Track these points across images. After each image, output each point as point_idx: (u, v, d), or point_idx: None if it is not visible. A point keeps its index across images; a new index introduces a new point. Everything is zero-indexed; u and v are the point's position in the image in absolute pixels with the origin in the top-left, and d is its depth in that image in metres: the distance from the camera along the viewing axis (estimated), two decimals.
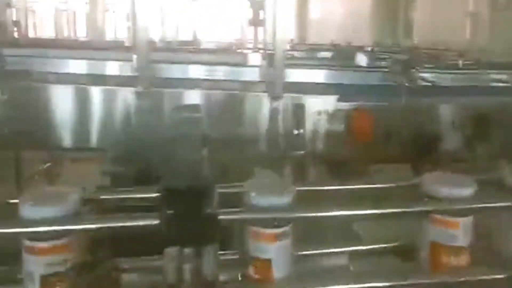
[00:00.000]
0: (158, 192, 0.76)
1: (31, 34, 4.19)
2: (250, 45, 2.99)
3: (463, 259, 0.92)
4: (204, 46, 4.45)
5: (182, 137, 0.76)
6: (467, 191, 0.93)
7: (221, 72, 2.16)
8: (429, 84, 2.05)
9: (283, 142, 1.82)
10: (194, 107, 0.80)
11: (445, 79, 2.27)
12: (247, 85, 2.11)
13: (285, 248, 0.83)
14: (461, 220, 0.92)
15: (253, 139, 1.84)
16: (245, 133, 1.85)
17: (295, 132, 1.79)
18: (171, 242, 0.72)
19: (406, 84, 2.01)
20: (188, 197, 0.71)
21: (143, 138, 1.80)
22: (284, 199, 0.85)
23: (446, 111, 2.09)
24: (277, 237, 0.83)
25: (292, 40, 5.33)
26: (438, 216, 0.91)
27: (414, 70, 2.06)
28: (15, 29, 3.55)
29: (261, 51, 2.33)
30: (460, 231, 0.91)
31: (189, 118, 0.76)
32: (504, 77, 2.33)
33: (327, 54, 4.13)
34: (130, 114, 1.85)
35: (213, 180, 0.75)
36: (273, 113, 1.84)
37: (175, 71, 2.13)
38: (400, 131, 1.93)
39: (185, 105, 1.66)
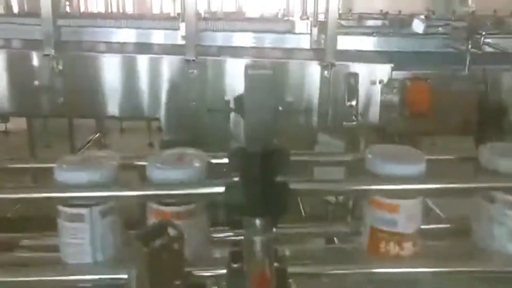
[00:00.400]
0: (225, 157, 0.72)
1: (82, 9, 4.28)
2: (297, 13, 2.89)
3: (405, 248, 0.79)
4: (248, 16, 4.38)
5: (251, 97, 0.70)
6: (412, 169, 0.78)
7: (268, 40, 2.09)
8: (498, 50, 1.87)
9: (334, 112, 1.75)
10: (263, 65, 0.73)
11: (510, 44, 2.08)
12: (297, 53, 2.03)
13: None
14: (402, 203, 0.78)
15: (303, 108, 1.78)
16: (296, 102, 1.79)
17: (348, 102, 1.71)
18: (236, 212, 0.68)
19: (472, 51, 1.86)
20: (257, 162, 0.65)
21: (196, 106, 1.79)
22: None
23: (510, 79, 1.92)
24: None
25: (338, 9, 5.09)
26: (377, 198, 0.78)
27: (479, 35, 1.89)
28: (67, 3, 3.63)
29: (311, 18, 2.23)
30: (400, 216, 0.78)
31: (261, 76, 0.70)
32: None
33: (377, 23, 3.92)
34: (181, 83, 1.84)
35: (285, 146, 0.69)
36: (325, 82, 1.76)
37: (223, 40, 2.09)
38: (461, 101, 1.80)
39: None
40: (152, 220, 0.77)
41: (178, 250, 0.63)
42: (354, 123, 1.70)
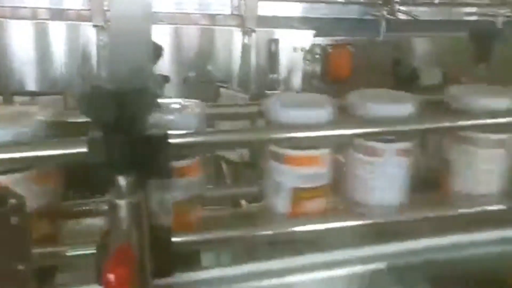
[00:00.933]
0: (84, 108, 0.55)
1: None
2: None
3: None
4: None
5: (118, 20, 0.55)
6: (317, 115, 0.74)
7: (189, 5, 2.00)
8: (411, 17, 1.95)
9: (256, 79, 1.72)
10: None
11: (422, 12, 2.17)
12: (218, 19, 1.96)
13: None
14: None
15: (224, 76, 1.73)
16: (217, 70, 1.74)
17: (269, 69, 1.70)
18: (101, 171, 0.54)
19: (387, 18, 1.91)
20: (118, 105, 0.51)
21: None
22: None
23: (424, 45, 2.02)
24: None
25: None
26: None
27: (395, 2, 1.95)
28: None
29: None
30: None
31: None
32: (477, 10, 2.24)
33: None
34: (91, 52, 1.70)
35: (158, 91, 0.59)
36: (245, 48, 1.73)
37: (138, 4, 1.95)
38: (378, 66, 1.86)
39: None
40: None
41: (19, 225, 0.51)
42: (277, 91, 1.69)
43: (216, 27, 1.83)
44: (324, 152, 0.76)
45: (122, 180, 0.55)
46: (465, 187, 0.86)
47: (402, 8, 1.96)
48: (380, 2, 1.97)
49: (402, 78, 1.80)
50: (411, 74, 1.79)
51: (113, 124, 0.52)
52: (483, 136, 0.83)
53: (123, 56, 0.55)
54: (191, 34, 1.82)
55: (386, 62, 1.91)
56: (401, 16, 1.99)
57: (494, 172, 0.85)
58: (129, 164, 0.55)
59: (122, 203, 0.55)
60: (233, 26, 1.80)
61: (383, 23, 1.94)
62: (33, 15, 1.89)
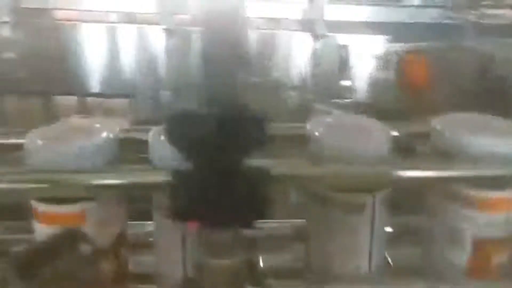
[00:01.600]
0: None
1: None
2: None
3: None
4: None
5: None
6: None
7: (255, 9, 1.94)
8: (500, 22, 1.76)
9: (327, 88, 1.62)
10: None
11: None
12: (286, 24, 1.89)
13: None
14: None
15: (293, 83, 1.65)
16: (284, 76, 1.66)
17: (340, 77, 1.59)
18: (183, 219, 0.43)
19: (473, 21, 1.74)
20: (215, 133, 0.40)
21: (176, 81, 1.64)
22: None
23: None
24: None
25: None
26: None
27: (483, 5, 1.77)
28: None
29: None
30: None
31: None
32: None
33: None
34: (159, 55, 1.69)
35: (260, 115, 0.43)
36: (315, 54, 1.63)
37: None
38: (461, 76, 1.69)
39: None
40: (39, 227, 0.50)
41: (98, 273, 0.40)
42: (349, 100, 1.58)
43: (284, 31, 1.75)
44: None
45: (218, 235, 0.41)
46: (323, 259, 0.63)
47: (494, 11, 1.78)
48: (465, 5, 1.80)
49: (490, 90, 1.62)
50: (502, 85, 1.60)
51: (210, 158, 0.41)
52: (341, 196, 0.59)
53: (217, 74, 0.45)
54: (257, 39, 1.76)
55: (469, 71, 1.73)
56: (488, 20, 1.81)
57: (357, 243, 0.62)
58: (226, 211, 0.42)
59: (224, 263, 0.40)
60: (301, 30, 1.71)
61: (468, 28, 1.76)
62: (104, 18, 1.92)
